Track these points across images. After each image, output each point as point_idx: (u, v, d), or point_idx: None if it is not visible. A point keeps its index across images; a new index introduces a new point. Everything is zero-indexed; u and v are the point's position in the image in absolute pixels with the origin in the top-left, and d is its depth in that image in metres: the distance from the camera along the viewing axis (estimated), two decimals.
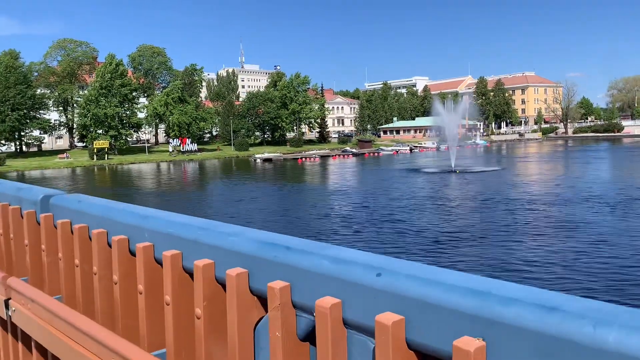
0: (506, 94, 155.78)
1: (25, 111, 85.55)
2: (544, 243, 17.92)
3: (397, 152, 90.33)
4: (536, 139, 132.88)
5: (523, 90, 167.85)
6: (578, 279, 13.75)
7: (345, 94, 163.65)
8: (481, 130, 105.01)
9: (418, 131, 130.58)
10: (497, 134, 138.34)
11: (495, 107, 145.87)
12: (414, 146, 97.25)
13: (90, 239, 1.98)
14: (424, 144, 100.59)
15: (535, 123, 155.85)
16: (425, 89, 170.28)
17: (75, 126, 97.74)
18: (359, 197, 33.11)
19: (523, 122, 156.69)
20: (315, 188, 41.53)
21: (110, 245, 1.87)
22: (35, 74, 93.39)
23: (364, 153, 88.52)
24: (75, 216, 2.14)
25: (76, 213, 2.14)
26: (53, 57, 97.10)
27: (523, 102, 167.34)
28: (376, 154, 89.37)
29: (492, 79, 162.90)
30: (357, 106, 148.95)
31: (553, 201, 27.52)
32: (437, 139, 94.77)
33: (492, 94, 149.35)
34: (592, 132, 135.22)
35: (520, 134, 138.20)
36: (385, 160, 74.73)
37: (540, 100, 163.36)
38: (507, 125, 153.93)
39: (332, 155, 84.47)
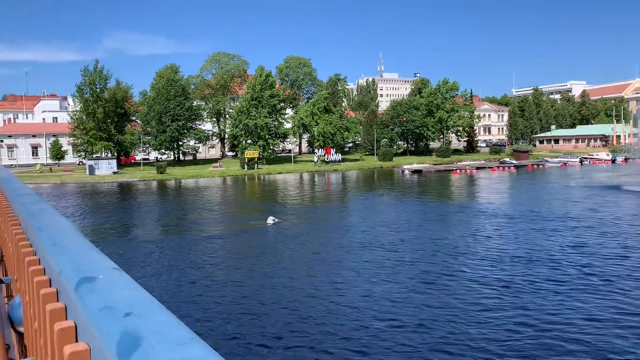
0: None
1: (183, 122, 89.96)
2: None
3: (565, 164, 79.86)
4: None
5: None
6: None
7: (491, 101, 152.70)
8: None
9: (580, 140, 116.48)
10: None
11: None
12: (584, 158, 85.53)
13: None
14: (597, 155, 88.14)
15: None
16: (584, 94, 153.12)
17: (226, 136, 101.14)
18: (570, 228, 26.86)
19: None
20: (491, 210, 35.52)
21: None
22: (192, 86, 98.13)
23: (527, 165, 79.39)
24: None
25: None
26: (208, 70, 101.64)
27: None
28: (541, 165, 79.80)
29: None
30: (505, 113, 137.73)
31: None
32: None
33: None
34: None
35: None
36: (555, 174, 65.64)
37: None
38: None
39: (491, 167, 76.74)
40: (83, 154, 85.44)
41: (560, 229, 25.85)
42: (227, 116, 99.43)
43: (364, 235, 25.96)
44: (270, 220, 29.98)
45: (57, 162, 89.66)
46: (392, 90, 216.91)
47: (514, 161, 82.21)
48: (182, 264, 20.95)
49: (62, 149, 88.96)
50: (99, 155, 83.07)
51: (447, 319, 13.69)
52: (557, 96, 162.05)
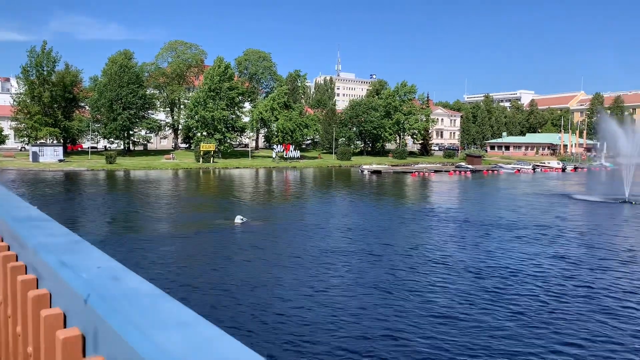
0: (626, 112, 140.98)
1: (135, 110, 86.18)
2: None
3: (519, 170, 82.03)
4: None
5: None
6: None
7: (445, 105, 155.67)
8: (604, 151, 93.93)
9: (530, 148, 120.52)
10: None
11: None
12: (536, 165, 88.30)
13: None
14: (548, 163, 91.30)
15: None
16: (532, 103, 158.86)
17: (180, 127, 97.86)
18: (546, 242, 26.90)
19: None
20: (463, 218, 35.39)
21: None
22: (146, 74, 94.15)
23: (482, 170, 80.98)
24: None
25: None
26: (164, 58, 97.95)
27: None
28: (495, 171, 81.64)
29: (609, 95, 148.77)
30: (458, 118, 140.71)
31: None
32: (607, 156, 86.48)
33: (609, 111, 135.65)
34: None
35: None
36: (510, 180, 67.01)
37: None
38: None
39: (448, 171, 77.67)
40: (26, 139, 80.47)
41: (527, 235, 25.85)
42: (182, 107, 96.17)
43: (339, 237, 25.06)
44: (238, 219, 28.65)
45: None
46: (348, 90, 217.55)
47: (470, 166, 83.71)
48: (144, 266, 19.31)
49: (3, 133, 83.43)
50: (43, 141, 78.36)
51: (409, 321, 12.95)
52: (507, 104, 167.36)
